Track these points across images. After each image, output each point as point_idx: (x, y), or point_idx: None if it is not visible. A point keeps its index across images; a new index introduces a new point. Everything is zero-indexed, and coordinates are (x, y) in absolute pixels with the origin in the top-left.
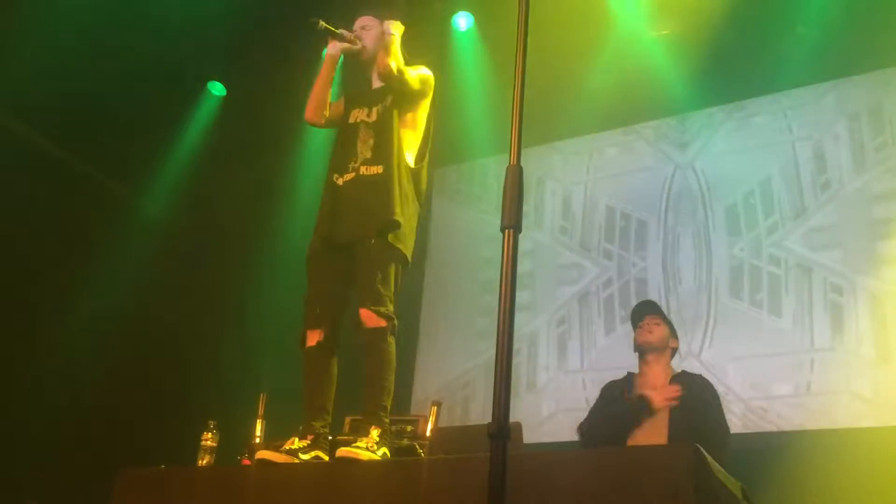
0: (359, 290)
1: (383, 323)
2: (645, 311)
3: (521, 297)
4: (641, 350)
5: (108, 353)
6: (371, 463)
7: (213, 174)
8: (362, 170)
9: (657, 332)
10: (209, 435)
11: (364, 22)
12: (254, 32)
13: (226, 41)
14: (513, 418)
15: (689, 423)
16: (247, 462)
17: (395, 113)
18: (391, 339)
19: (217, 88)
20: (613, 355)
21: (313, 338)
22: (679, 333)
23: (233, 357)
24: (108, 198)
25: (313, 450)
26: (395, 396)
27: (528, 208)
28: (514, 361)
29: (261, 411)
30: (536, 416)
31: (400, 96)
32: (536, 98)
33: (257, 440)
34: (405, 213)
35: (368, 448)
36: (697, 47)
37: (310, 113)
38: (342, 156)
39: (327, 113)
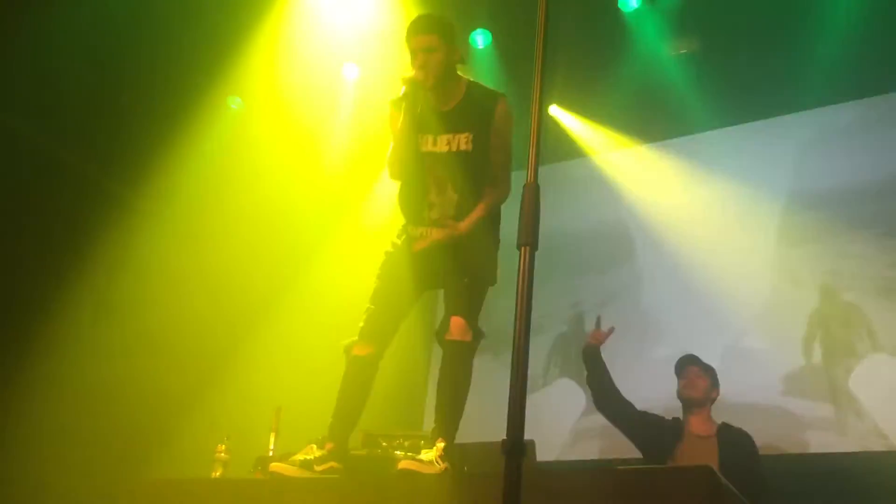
0: (450, 299)
1: (469, 337)
2: (687, 362)
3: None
4: (686, 403)
5: (121, 364)
6: (383, 477)
7: (230, 184)
8: (448, 228)
9: (701, 386)
10: (223, 447)
11: (426, 43)
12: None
13: (246, 55)
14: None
15: (734, 475)
16: (259, 475)
17: (476, 158)
18: (473, 355)
19: (236, 102)
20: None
21: (363, 349)
22: None
23: (248, 370)
24: (123, 207)
25: (329, 461)
26: (407, 412)
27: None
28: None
29: (275, 424)
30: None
31: (484, 131)
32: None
33: (271, 453)
34: (491, 256)
35: (433, 461)
36: (715, 66)
37: (396, 172)
38: (414, 199)
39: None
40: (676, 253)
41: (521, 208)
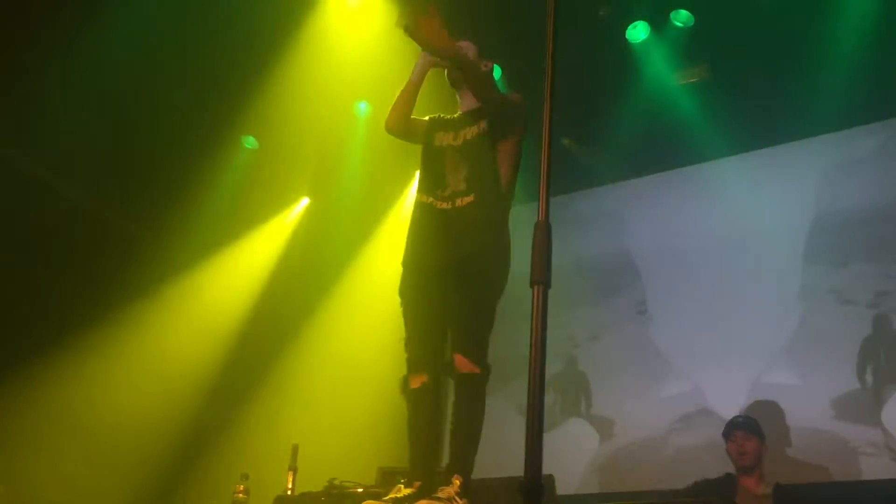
0: (455, 332)
1: (477, 370)
2: (734, 427)
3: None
4: (738, 468)
5: (138, 403)
6: None
7: (245, 224)
8: (458, 201)
9: (750, 452)
10: (241, 486)
11: (463, 44)
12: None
13: (260, 95)
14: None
15: None
16: None
17: (490, 139)
18: (484, 387)
19: (249, 142)
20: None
21: (417, 380)
22: None
23: (265, 408)
24: (137, 246)
25: (420, 498)
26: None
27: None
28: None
29: (293, 463)
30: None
31: (496, 123)
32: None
33: (289, 492)
34: (500, 247)
35: (450, 499)
36: (725, 94)
37: (392, 121)
38: (431, 181)
39: (408, 123)
40: (689, 284)
41: (534, 246)
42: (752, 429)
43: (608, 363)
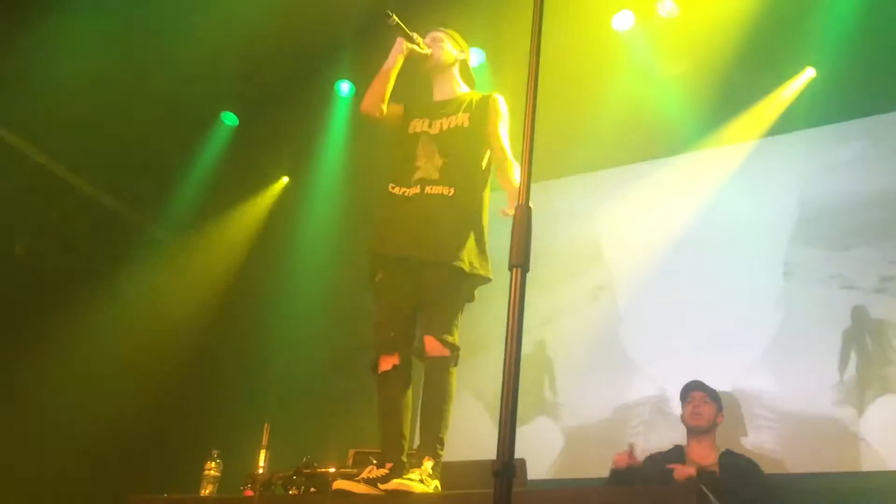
0: (424, 316)
1: (447, 353)
2: (693, 388)
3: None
4: (690, 430)
5: (113, 382)
6: (376, 496)
7: (222, 202)
8: (427, 189)
9: (706, 414)
10: (212, 464)
11: (435, 35)
12: (268, 64)
13: (240, 72)
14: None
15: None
16: (249, 493)
17: (471, 134)
18: (453, 370)
19: (230, 119)
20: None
21: (388, 362)
22: None
23: (237, 386)
24: (118, 224)
25: (392, 479)
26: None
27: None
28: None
29: (264, 441)
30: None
31: (480, 121)
32: (545, 134)
33: (260, 470)
34: (478, 243)
35: (421, 480)
36: (707, 86)
37: (367, 104)
38: (402, 167)
39: (385, 107)
40: (664, 273)
41: (513, 229)
42: (712, 395)
43: (567, 348)
